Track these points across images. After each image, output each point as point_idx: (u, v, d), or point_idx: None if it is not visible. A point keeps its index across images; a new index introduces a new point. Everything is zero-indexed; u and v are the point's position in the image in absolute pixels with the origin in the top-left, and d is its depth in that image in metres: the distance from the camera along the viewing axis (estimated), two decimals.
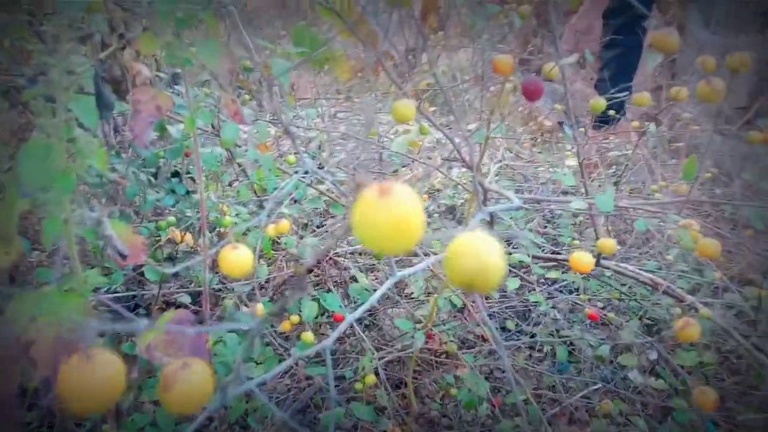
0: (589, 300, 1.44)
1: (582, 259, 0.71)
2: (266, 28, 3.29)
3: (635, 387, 1.39)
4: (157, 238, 1.37)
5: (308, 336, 0.93)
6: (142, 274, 1.25)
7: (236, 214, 1.29)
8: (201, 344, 0.74)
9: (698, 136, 1.69)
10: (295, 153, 1.68)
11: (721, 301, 1.21)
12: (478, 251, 0.30)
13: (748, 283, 1.45)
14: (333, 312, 1.24)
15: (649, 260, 1.49)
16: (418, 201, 0.28)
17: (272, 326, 1.23)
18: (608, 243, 0.82)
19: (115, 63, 0.97)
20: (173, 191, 1.38)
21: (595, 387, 1.18)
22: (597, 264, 1.25)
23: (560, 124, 2.37)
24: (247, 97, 1.47)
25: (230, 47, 1.20)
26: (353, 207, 0.28)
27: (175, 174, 1.40)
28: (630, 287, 1.48)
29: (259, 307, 0.92)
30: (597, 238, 1.24)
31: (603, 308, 1.53)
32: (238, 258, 0.54)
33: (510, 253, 1.48)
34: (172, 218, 1.13)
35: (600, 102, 1.01)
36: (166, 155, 1.08)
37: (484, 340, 1.55)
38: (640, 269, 1.23)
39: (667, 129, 1.78)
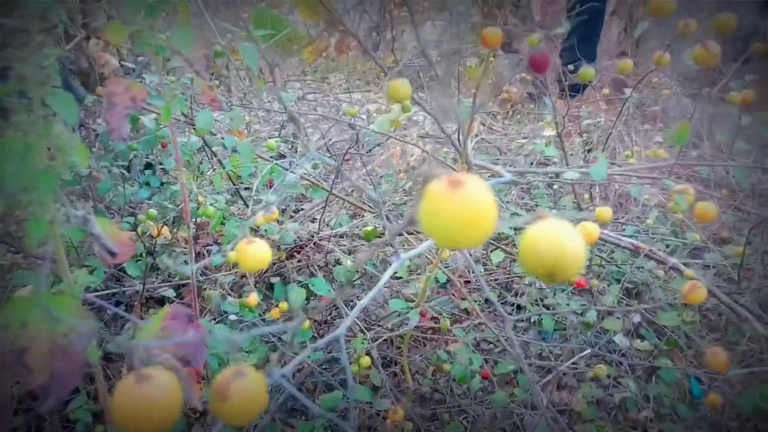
0: None
1: (588, 228, 0.71)
2: (225, 11, 3.21)
3: (620, 350, 1.42)
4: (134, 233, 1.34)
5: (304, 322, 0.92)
6: (121, 270, 1.23)
7: (213, 203, 1.27)
8: (198, 339, 0.73)
9: (668, 100, 1.71)
10: (273, 137, 1.65)
11: (702, 262, 1.24)
12: (557, 238, 0.29)
13: (723, 243, 1.49)
14: (320, 296, 1.23)
15: (627, 225, 1.52)
16: (489, 192, 0.27)
17: (260, 315, 1.22)
18: (605, 211, 0.83)
19: (82, 54, 0.93)
20: (147, 184, 1.35)
21: (584, 353, 1.20)
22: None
23: (530, 95, 2.38)
24: (216, 82, 1.43)
25: (204, 32, 1.17)
26: (422, 200, 0.27)
27: (148, 166, 1.36)
28: (610, 253, 1.51)
29: (253, 297, 0.90)
30: (578, 207, 1.25)
31: (584, 275, 1.55)
32: (256, 252, 0.53)
33: None
34: (152, 211, 1.10)
35: (589, 70, 1.01)
36: (139, 147, 1.05)
37: (468, 313, 1.56)
38: (621, 235, 1.25)
39: (637, 95, 1.79)
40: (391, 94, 0.64)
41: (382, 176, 2.07)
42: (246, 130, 1.58)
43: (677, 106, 1.79)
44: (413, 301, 1.10)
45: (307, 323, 0.93)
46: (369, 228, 1.18)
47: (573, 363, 1.40)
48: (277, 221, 1.49)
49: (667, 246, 1.51)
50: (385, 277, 0.52)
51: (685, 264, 1.43)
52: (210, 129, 1.04)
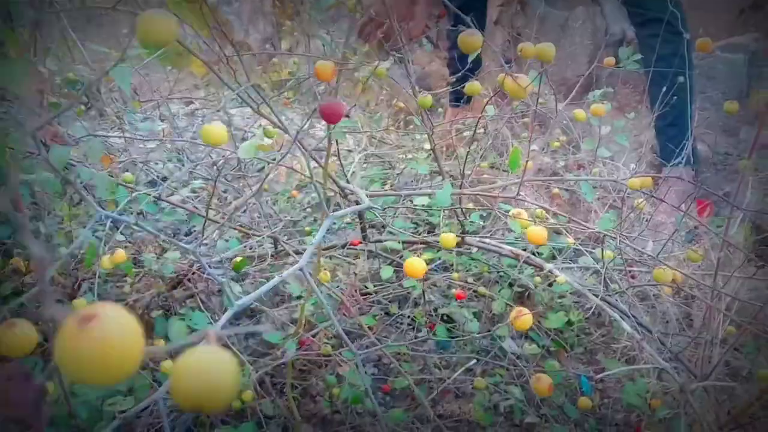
0: (460, 277, 1.48)
1: (414, 264, 0.71)
2: (108, 26, 3.07)
3: (513, 354, 1.46)
4: None
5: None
6: None
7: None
8: (36, 398, 0.67)
9: (548, 107, 1.78)
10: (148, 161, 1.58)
11: (577, 266, 1.29)
12: (206, 371, 0.26)
13: (600, 243, 1.57)
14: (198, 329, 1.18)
15: (511, 232, 1.56)
16: (131, 322, 0.25)
17: None
18: (449, 238, 0.84)
19: None
20: (8, 220, 1.25)
21: (470, 363, 1.22)
22: (460, 245, 1.29)
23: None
24: (82, 108, 1.35)
25: (50, 62, 1.09)
26: (56, 341, 0.24)
27: None
28: (499, 259, 1.55)
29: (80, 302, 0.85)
30: (459, 222, 1.27)
31: (477, 281, 1.59)
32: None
33: (381, 241, 1.49)
34: None
35: (475, 85, 1.01)
36: None
37: (370, 328, 1.56)
38: (501, 243, 1.28)
39: (519, 103, 1.85)
40: (206, 139, 0.62)
41: (277, 193, 2.04)
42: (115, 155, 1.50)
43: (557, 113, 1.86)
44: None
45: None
46: (239, 259, 1.15)
47: (470, 370, 1.43)
48: (158, 254, 1.42)
49: (551, 249, 1.57)
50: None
51: (568, 267, 1.49)
52: (65, 163, 0.97)
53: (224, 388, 0.26)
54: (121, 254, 0.71)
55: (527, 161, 0.84)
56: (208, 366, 0.27)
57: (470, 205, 1.52)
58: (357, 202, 1.06)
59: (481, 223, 1.50)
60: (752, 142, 0.88)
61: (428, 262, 1.73)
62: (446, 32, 2.34)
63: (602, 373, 0.88)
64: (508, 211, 0.77)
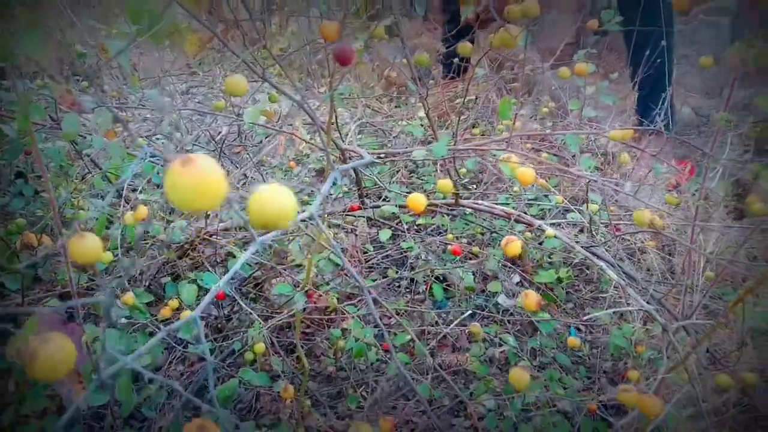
0: (457, 238, 1.55)
1: (416, 198, 0.77)
2: (99, 6, 3.08)
3: (506, 309, 1.53)
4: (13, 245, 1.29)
5: None
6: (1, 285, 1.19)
7: (89, 208, 1.25)
8: (76, 339, 0.73)
9: (537, 74, 1.84)
10: (153, 134, 1.62)
11: (565, 221, 1.35)
12: (275, 198, 0.39)
13: (585, 202, 1.64)
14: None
15: (502, 194, 1.63)
16: (217, 167, 0.35)
17: (152, 315, 1.22)
18: (445, 183, 0.89)
19: None
20: (21, 193, 1.30)
21: (465, 315, 1.29)
22: (456, 204, 1.36)
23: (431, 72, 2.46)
24: (85, 83, 1.39)
25: (58, 34, 1.14)
26: (165, 176, 0.33)
27: (20, 175, 1.32)
28: (490, 221, 1.61)
29: (129, 296, 0.91)
30: (452, 179, 1.33)
31: (470, 243, 1.66)
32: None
33: (378, 206, 1.55)
34: (21, 220, 1.07)
35: (466, 45, 1.07)
36: (4, 157, 1.01)
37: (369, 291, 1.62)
38: (493, 203, 1.34)
39: (509, 70, 1.91)
40: (229, 89, 0.67)
41: (275, 166, 2.09)
42: (121, 129, 1.54)
43: (544, 79, 1.93)
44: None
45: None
46: None
47: (464, 325, 1.50)
48: (166, 220, 1.48)
49: (542, 209, 1.64)
50: (240, 262, 0.55)
51: (558, 224, 1.56)
52: (77, 133, 1.02)
53: (289, 209, 0.38)
54: (143, 210, 0.76)
55: (515, 118, 0.90)
56: (277, 195, 0.39)
57: (463, 170, 1.58)
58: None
59: (473, 175, 1.55)
60: (727, 96, 0.95)
61: (425, 226, 1.80)
62: (440, 6, 2.37)
63: (589, 315, 0.94)
64: (498, 156, 0.82)
